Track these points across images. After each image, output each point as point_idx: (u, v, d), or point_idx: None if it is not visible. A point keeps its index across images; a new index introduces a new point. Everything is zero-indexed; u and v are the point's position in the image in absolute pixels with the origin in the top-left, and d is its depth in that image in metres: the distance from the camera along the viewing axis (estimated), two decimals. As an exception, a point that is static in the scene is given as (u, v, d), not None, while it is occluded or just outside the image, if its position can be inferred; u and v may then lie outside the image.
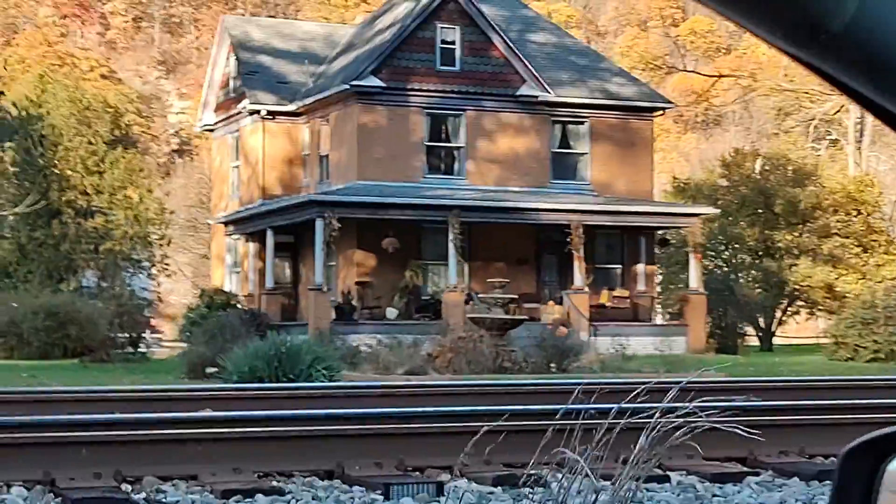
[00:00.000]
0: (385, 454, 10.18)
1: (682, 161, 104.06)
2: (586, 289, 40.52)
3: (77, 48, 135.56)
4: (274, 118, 45.03)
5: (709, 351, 43.42)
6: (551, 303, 41.32)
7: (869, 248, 57.08)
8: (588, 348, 37.05)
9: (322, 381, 22.83)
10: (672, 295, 48.90)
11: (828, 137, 73.79)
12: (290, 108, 44.71)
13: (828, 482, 7.92)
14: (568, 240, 40.21)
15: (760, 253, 55.72)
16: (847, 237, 56.40)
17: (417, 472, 10.15)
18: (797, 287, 54.01)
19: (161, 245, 50.62)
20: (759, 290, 54.95)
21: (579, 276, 40.56)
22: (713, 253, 56.41)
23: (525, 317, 32.78)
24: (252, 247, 44.91)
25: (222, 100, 48.14)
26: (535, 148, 43.50)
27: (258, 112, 44.78)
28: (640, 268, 44.22)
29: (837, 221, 56.17)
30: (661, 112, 46.39)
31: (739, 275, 55.71)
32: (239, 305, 42.77)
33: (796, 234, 55.26)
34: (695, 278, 42.87)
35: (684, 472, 9.84)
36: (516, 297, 33.27)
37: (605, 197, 43.37)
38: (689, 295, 42.43)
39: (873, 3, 1.36)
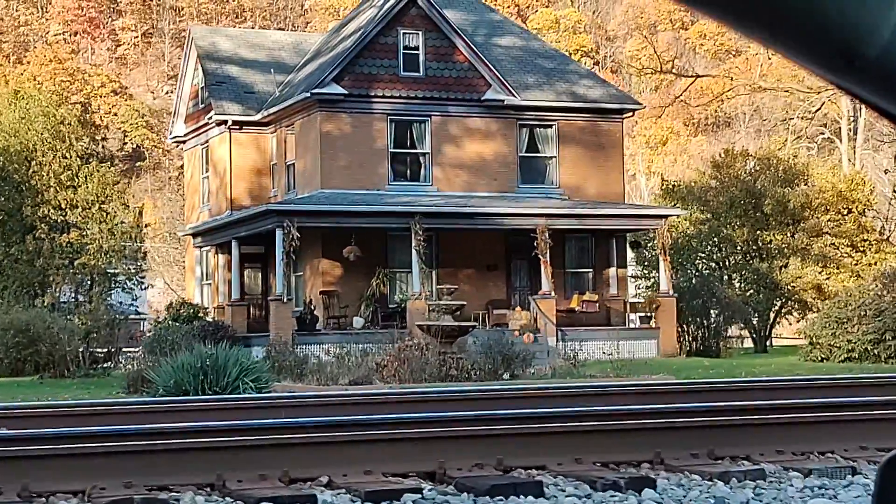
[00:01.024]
0: (269, 465, 9.78)
1: (694, 163, 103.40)
2: (553, 294, 40.08)
3: (88, 65, 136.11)
4: (241, 128, 44.77)
5: (682, 354, 42.96)
6: (518, 308, 40.91)
7: (861, 248, 56.50)
8: (552, 354, 36.74)
9: (248, 393, 22.57)
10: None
11: (821, 136, 73.07)
12: (257, 117, 44.45)
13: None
14: (534, 244, 39.80)
15: (751, 254, 55.22)
16: (838, 237, 55.86)
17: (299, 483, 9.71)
18: (787, 288, 53.46)
19: (137, 259, 50.40)
20: (751, 292, 54.47)
21: (546, 281, 40.12)
22: (704, 254, 55.94)
23: (474, 324, 32.44)
24: (222, 258, 44.67)
25: (192, 111, 47.94)
26: (502, 152, 43.10)
27: (225, 122, 44.54)
28: (612, 271, 43.76)
29: (829, 221, 55.63)
30: (630, 113, 45.93)
31: (733, 276, 55.24)
32: (208, 318, 42.55)
33: (786, 234, 54.71)
34: (665, 281, 42.37)
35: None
36: (464, 303, 32.84)
37: (574, 200, 42.93)
38: (660, 297, 41.92)
39: None
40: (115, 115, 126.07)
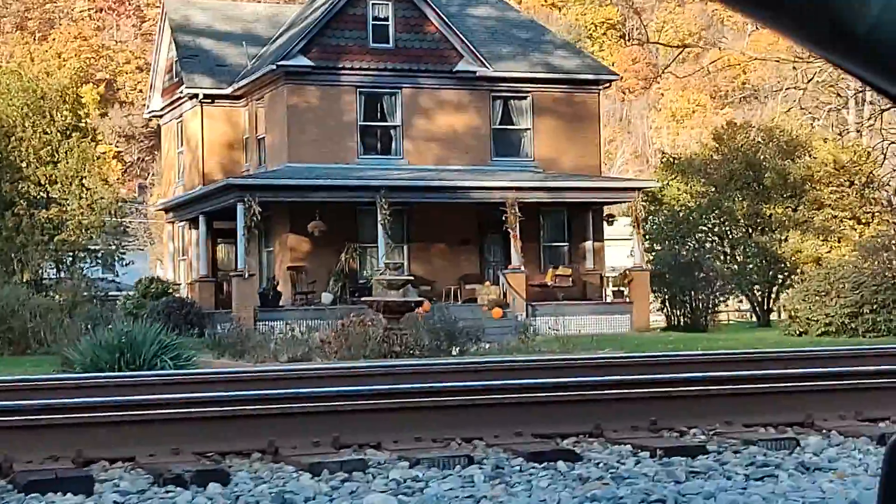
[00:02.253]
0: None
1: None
2: (523, 268, 39.41)
3: (113, 41, 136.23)
4: (213, 102, 44.25)
5: (668, 329, 42.32)
6: (487, 283, 40.27)
7: (864, 220, 55.70)
8: (518, 329, 36.03)
9: (166, 370, 22.17)
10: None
11: (827, 107, 71.89)
12: (228, 91, 43.89)
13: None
14: (504, 218, 39.15)
15: (752, 227, 54.55)
16: (841, 209, 55.11)
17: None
18: (788, 261, 52.74)
19: (117, 234, 50.10)
20: (752, 265, 53.88)
21: (516, 255, 39.47)
22: (706, 227, 55.25)
23: (421, 299, 31.72)
24: (195, 234, 44.22)
25: (167, 85, 47.48)
26: (475, 125, 42.38)
27: (196, 96, 44.03)
28: (589, 245, 43.01)
29: (831, 193, 54.84)
30: (607, 84, 45.07)
31: (736, 249, 54.63)
32: (178, 294, 42.21)
33: (788, 207, 53.97)
34: (638, 254, 41.61)
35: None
36: (412, 277, 32.23)
37: (549, 173, 42.18)
38: (633, 272, 41.16)
39: (895, 5, 1.40)
40: (141, 91, 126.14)
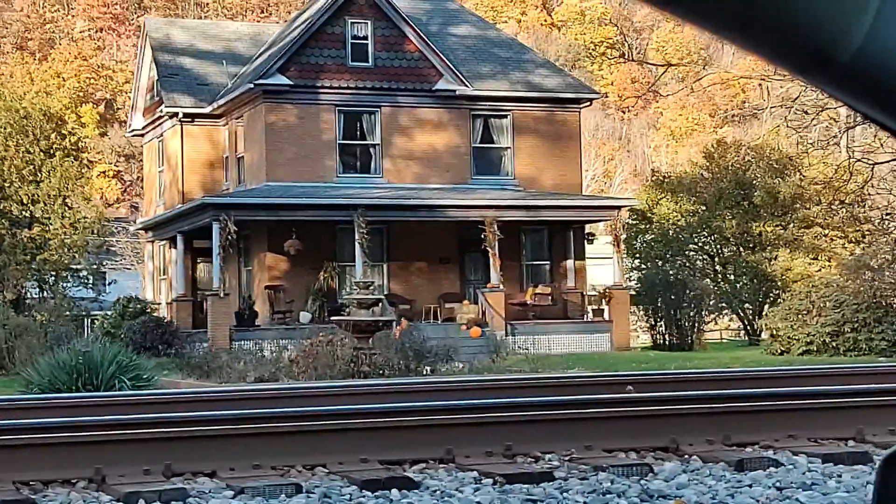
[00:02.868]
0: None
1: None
2: (502, 287, 39.18)
3: (113, 61, 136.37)
4: (193, 121, 44.13)
5: (637, 348, 42.08)
6: (465, 302, 40.06)
7: (853, 239, 55.45)
8: (500, 348, 35.79)
9: (124, 391, 22.02)
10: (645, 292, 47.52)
11: (817, 125, 71.51)
12: (208, 109, 43.78)
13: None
14: (483, 236, 38.95)
15: (742, 245, 54.38)
16: (830, 228, 54.88)
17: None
18: (778, 279, 52.51)
19: (99, 254, 49.95)
20: (742, 283, 53.69)
21: (495, 273, 39.24)
22: (696, 246, 55.10)
23: (392, 318, 31.50)
24: (174, 253, 44.06)
25: (148, 104, 47.38)
26: (454, 143, 42.20)
27: (176, 115, 43.92)
28: (570, 263, 42.78)
29: (821, 211, 54.62)
30: (587, 103, 44.84)
31: (727, 267, 54.48)
32: (157, 313, 41.99)
33: (776, 225, 53.74)
34: (618, 272, 41.38)
35: None
36: (381, 297, 31.96)
37: (529, 192, 41.99)
38: (613, 290, 40.91)
39: (879, 34, 1.39)
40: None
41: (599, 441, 7.77)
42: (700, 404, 8.35)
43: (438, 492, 6.85)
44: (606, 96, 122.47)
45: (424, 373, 29.35)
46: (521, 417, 7.86)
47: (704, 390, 9.39)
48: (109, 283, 48.84)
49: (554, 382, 11.38)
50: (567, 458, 7.64)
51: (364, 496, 6.67)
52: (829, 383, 10.04)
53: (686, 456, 7.73)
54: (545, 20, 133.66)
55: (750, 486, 7.09)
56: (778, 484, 7.14)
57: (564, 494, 6.74)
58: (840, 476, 7.37)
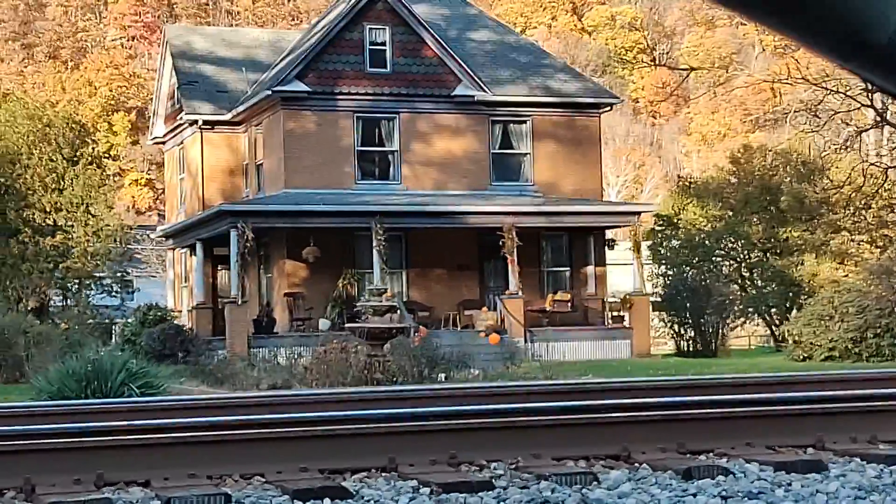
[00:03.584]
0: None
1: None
2: (521, 293, 39.02)
3: (144, 69, 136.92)
4: (213, 128, 44.20)
5: (658, 354, 41.80)
6: (485, 309, 39.93)
7: (881, 244, 55.00)
8: (517, 355, 35.63)
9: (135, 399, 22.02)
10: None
11: (847, 128, 70.97)
12: (227, 117, 43.83)
13: None
14: (502, 243, 38.82)
15: (769, 250, 54.04)
16: (858, 233, 54.48)
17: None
18: (805, 285, 52.15)
19: (122, 261, 50.12)
20: (769, 289, 53.32)
21: (513, 280, 39.09)
22: (722, 251, 54.79)
23: (405, 325, 31.42)
24: (194, 260, 44.13)
25: (169, 111, 47.49)
26: (473, 149, 42.09)
27: (196, 122, 44.00)
28: (590, 270, 42.59)
29: (847, 216, 54.19)
30: (608, 108, 44.65)
31: (753, 272, 54.16)
32: (178, 321, 42.04)
33: (803, 230, 53.38)
34: (638, 279, 41.16)
35: None
36: (395, 304, 31.85)
37: (549, 198, 41.83)
38: (633, 296, 40.68)
39: None
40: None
41: (547, 449, 7.65)
42: (652, 412, 8.18)
43: (372, 501, 6.74)
44: (637, 101, 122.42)
45: (439, 380, 29.24)
46: (465, 426, 7.74)
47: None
48: (134, 291, 48.99)
49: (537, 390, 11.22)
50: (512, 467, 7.52)
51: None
52: (790, 390, 9.87)
53: (637, 464, 7.60)
54: (575, 25, 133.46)
55: (694, 495, 6.95)
56: (723, 493, 6.99)
57: (502, 504, 6.62)
58: (790, 485, 7.23)
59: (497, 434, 7.73)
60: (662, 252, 53.50)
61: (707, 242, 53.40)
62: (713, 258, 53.82)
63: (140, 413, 9.17)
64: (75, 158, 48.91)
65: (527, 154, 42.83)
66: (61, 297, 48.88)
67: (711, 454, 7.91)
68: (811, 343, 38.09)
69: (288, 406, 9.12)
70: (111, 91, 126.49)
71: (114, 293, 49.08)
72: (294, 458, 7.31)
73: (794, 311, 52.77)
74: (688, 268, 51.66)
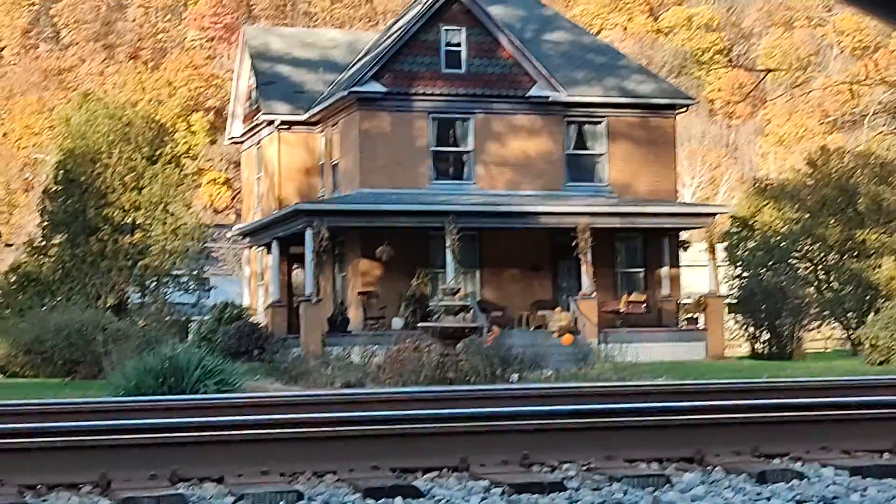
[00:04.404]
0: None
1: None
2: (594, 294, 38.92)
3: (223, 70, 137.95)
4: (290, 128, 44.50)
5: (733, 357, 41.55)
6: (558, 309, 39.86)
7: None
8: (591, 356, 35.55)
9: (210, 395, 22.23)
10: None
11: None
12: (304, 117, 44.09)
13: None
14: (575, 244, 38.75)
15: (846, 253, 53.52)
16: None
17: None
18: (884, 288, 51.63)
19: (198, 259, 50.54)
20: (846, 292, 52.79)
21: (587, 280, 39.03)
22: (799, 254, 54.33)
23: (478, 324, 31.42)
24: (270, 259, 44.42)
25: (247, 112, 47.85)
26: (547, 150, 42.05)
27: (273, 122, 44.31)
28: (665, 271, 42.40)
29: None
30: (683, 109, 44.43)
31: (830, 275, 53.67)
32: (254, 318, 42.33)
33: (881, 232, 52.86)
34: (713, 280, 40.89)
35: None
36: (468, 304, 31.89)
37: (623, 198, 41.71)
38: (708, 298, 40.44)
39: None
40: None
41: (620, 451, 7.64)
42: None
43: (444, 500, 6.76)
44: (713, 102, 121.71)
45: (510, 380, 29.23)
46: (539, 426, 7.75)
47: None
48: (210, 289, 49.39)
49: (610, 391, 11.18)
50: (585, 468, 7.52)
51: (366, 504, 6.60)
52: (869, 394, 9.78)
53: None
54: (651, 26, 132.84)
55: (768, 498, 6.91)
56: (798, 497, 6.95)
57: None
58: (865, 489, 7.16)
59: (570, 435, 7.75)
60: (738, 254, 53.14)
61: (783, 244, 52.94)
62: (789, 260, 53.35)
63: (215, 410, 9.25)
64: (154, 158, 49.37)
65: (601, 155, 42.73)
66: (139, 295, 49.34)
67: (786, 457, 7.87)
68: (888, 347, 37.72)
69: (361, 404, 9.18)
70: (190, 91, 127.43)
71: (190, 291, 49.51)
72: (366, 457, 7.37)
73: (871, 315, 52.23)
74: (763, 270, 51.25)
